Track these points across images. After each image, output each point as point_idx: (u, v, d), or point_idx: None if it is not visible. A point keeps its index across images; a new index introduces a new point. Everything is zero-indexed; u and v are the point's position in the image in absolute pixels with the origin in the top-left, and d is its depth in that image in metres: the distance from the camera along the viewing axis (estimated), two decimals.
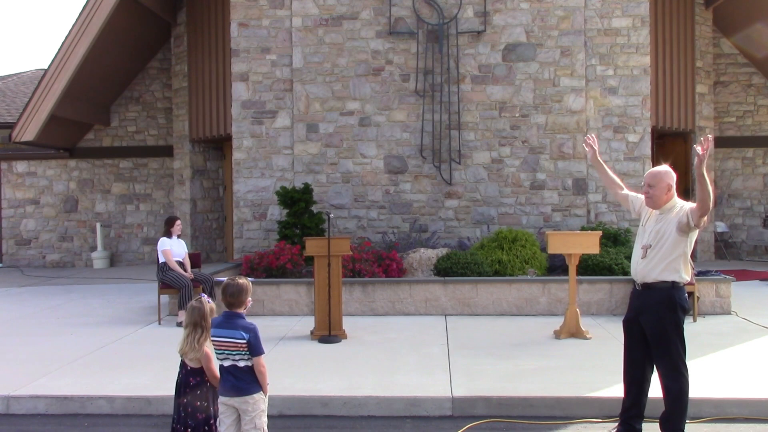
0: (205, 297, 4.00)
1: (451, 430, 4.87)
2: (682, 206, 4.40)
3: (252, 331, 3.75)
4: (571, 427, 4.92)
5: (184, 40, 13.51)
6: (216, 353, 3.84)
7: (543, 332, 7.57)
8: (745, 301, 8.97)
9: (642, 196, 4.64)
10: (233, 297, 3.84)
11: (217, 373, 3.88)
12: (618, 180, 5.03)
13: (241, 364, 3.77)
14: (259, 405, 3.80)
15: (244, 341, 3.73)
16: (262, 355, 3.79)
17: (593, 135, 5.19)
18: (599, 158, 5.04)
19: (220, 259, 13.88)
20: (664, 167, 4.52)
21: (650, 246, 4.44)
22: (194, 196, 13.74)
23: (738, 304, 8.64)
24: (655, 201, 4.47)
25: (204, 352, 3.87)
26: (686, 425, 4.41)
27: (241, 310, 3.85)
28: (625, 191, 4.95)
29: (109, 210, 15.02)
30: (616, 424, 4.64)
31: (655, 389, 4.50)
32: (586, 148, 5.06)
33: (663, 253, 4.38)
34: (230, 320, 3.81)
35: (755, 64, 14.22)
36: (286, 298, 8.86)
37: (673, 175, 4.48)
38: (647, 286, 4.45)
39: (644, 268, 4.45)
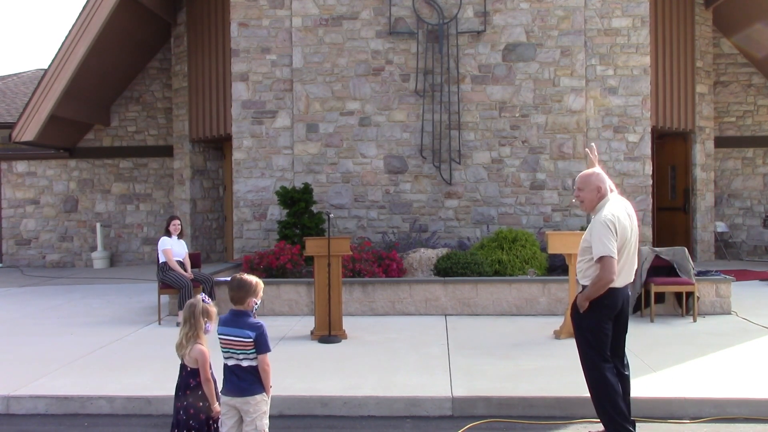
0: (204, 296, 4.00)
1: (451, 430, 4.88)
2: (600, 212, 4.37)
3: (259, 329, 3.76)
4: (571, 427, 4.93)
5: (184, 40, 13.51)
6: (222, 351, 3.84)
7: (543, 332, 7.57)
8: (745, 301, 8.96)
9: None
10: (240, 289, 3.80)
11: (210, 376, 3.88)
12: None
13: (245, 363, 3.77)
14: (260, 406, 3.80)
15: (251, 339, 3.73)
16: (268, 354, 3.79)
17: (593, 144, 5.27)
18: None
19: (220, 259, 13.89)
20: (594, 170, 4.55)
21: (582, 249, 4.54)
22: (194, 196, 13.75)
23: (738, 304, 8.64)
24: (586, 204, 4.49)
25: (200, 351, 3.86)
26: (640, 424, 4.56)
27: (245, 308, 3.83)
28: None
29: (109, 210, 15.02)
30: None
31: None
32: (591, 155, 5.04)
33: (584, 257, 4.47)
34: (237, 318, 3.80)
35: (755, 64, 14.21)
36: (286, 298, 8.86)
37: (604, 178, 4.49)
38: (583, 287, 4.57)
39: (577, 272, 4.58)
